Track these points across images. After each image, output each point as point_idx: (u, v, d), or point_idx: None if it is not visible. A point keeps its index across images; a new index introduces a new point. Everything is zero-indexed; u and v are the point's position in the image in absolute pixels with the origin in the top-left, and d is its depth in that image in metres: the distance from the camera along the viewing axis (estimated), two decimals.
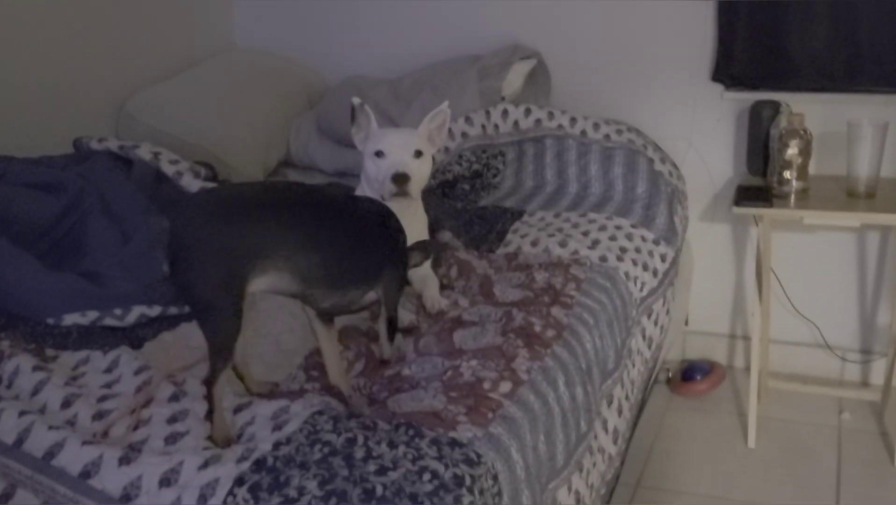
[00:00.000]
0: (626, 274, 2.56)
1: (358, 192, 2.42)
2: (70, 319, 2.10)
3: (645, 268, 2.66)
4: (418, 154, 2.28)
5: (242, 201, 1.64)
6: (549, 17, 3.49)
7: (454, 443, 1.62)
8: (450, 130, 3.22)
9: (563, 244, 2.62)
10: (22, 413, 1.68)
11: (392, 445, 1.60)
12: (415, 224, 2.38)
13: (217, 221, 1.58)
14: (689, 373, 3.45)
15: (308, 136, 3.59)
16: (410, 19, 3.69)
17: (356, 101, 2.32)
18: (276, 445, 1.60)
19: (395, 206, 2.27)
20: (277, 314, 2.20)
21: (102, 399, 1.78)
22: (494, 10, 3.56)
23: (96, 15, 3.28)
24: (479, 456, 1.60)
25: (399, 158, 2.25)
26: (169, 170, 2.80)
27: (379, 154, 2.26)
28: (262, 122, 3.52)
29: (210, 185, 2.79)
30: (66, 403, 1.75)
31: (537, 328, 2.09)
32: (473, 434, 1.66)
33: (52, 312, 2.09)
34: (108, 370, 1.91)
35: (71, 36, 3.17)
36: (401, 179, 2.21)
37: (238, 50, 3.94)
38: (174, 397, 1.79)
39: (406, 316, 2.14)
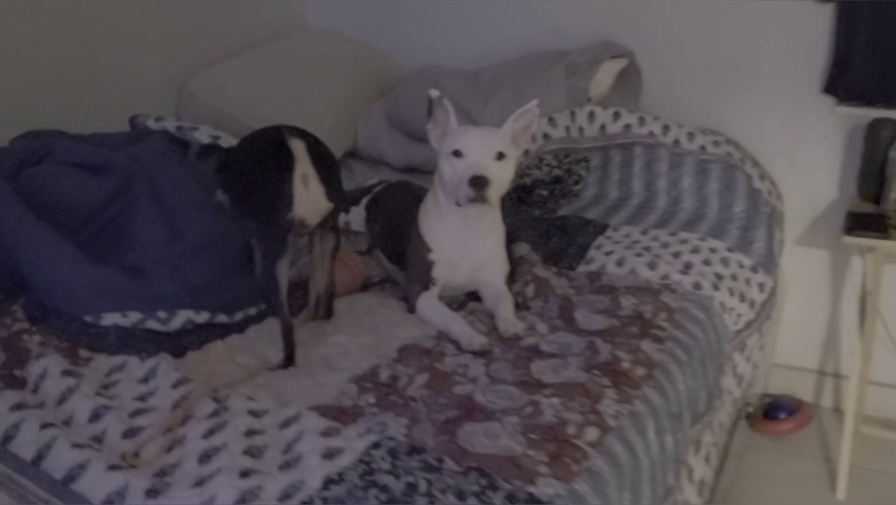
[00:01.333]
0: (722, 305, 2.30)
1: (430, 195, 2.20)
2: (110, 318, 1.90)
3: (742, 298, 2.40)
4: (500, 156, 2.05)
5: None
6: (645, 13, 3.22)
7: (533, 501, 1.40)
8: None
9: (651, 266, 2.37)
10: (45, 425, 1.50)
11: (461, 496, 1.40)
12: (491, 235, 2.16)
13: None
14: (773, 410, 3.16)
15: (378, 126, 3.37)
16: (494, 8, 3.44)
17: (434, 93, 2.10)
18: (326, 484, 1.40)
19: (471, 212, 2.06)
20: (333, 333, 1.98)
21: (135, 414, 1.59)
22: (585, 4, 3.30)
23: None
24: None
25: (478, 160, 2.02)
26: None
27: (457, 154, 2.04)
28: (330, 109, 3.31)
29: None
30: (94, 416, 1.57)
31: (625, 365, 1.84)
32: (555, 491, 1.44)
33: (91, 308, 1.90)
34: (145, 380, 1.71)
35: (134, 9, 2.98)
36: (479, 183, 1.98)
37: (308, 30, 3.73)
38: (214, 414, 1.59)
39: (477, 338, 1.91)
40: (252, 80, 3.26)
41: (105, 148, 2.37)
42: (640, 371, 1.84)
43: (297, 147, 1.84)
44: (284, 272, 1.89)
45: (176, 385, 1.66)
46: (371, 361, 1.84)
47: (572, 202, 2.92)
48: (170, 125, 2.66)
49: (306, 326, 2.03)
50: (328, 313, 2.08)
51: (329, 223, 1.99)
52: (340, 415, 1.60)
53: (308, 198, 1.83)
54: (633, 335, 1.98)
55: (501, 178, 2.05)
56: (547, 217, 2.76)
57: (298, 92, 3.27)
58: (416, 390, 1.70)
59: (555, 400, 1.67)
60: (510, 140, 2.11)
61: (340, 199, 1.95)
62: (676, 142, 2.93)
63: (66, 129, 2.64)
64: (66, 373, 1.66)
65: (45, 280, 1.94)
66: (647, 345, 1.94)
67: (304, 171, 1.82)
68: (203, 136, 2.65)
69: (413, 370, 1.78)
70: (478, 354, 1.88)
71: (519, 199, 2.89)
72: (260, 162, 1.90)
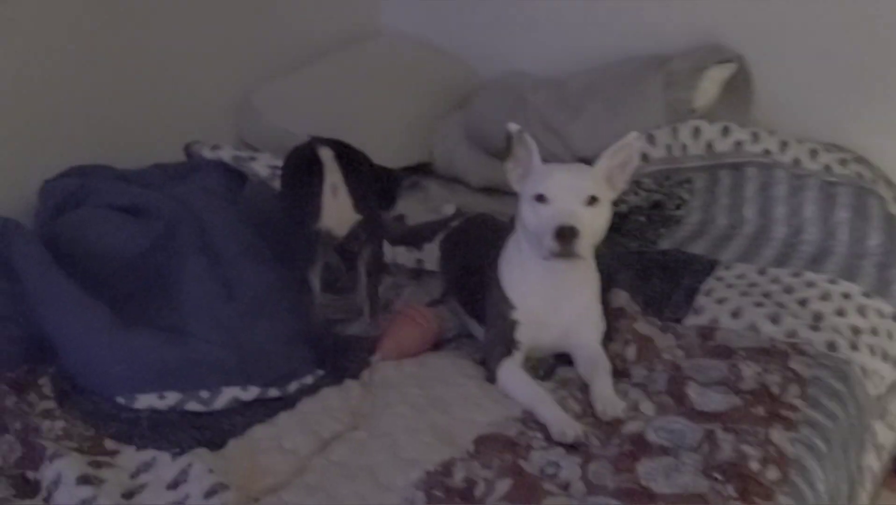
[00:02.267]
0: (862, 369, 1.93)
1: (512, 241, 1.89)
2: (144, 400, 1.67)
3: (884, 357, 2.02)
4: (592, 201, 1.72)
5: None
6: (756, 10, 2.82)
7: None
8: None
9: (774, 319, 2.01)
10: None
11: None
12: (584, 289, 1.84)
13: None
14: None
15: (455, 142, 3.05)
16: (584, 8, 3.09)
17: (514, 127, 1.79)
18: None
19: (557, 265, 1.73)
20: (398, 404, 1.68)
21: None
22: (687, 1, 2.92)
23: None
24: None
25: (566, 206, 1.71)
26: None
27: (540, 198, 1.72)
28: (403, 122, 3.02)
29: None
30: None
31: (754, 465, 1.50)
32: None
33: (123, 388, 1.68)
34: (174, 486, 1.45)
35: (188, 19, 2.72)
36: (566, 235, 1.66)
37: (380, 36, 3.43)
38: None
39: (570, 428, 1.58)
40: (319, 93, 3.00)
41: (153, 188, 2.13)
42: (772, 473, 1.50)
43: (326, 156, 1.87)
44: (316, 279, 1.96)
45: (209, 494, 1.39)
46: (443, 452, 1.54)
47: (674, 231, 2.56)
48: (226, 155, 2.40)
49: (368, 392, 1.75)
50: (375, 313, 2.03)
51: (363, 236, 1.99)
52: None
53: (336, 208, 1.87)
54: (759, 419, 1.63)
55: (594, 226, 1.73)
56: (646, 251, 2.41)
57: (369, 105, 3.00)
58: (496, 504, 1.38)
59: None
60: (604, 180, 1.78)
61: (370, 210, 1.95)
62: (797, 161, 2.55)
63: (117, 159, 2.42)
64: (83, 480, 1.41)
65: (75, 352, 1.72)
66: (777, 434, 1.59)
67: (333, 181, 1.85)
68: (261, 166, 2.38)
69: (493, 473, 1.46)
70: (571, 446, 1.55)
71: (613, 228, 2.54)
72: (292, 174, 1.98)
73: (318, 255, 1.95)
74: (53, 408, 1.67)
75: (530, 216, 1.75)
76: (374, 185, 2.05)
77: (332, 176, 1.85)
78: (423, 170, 3.11)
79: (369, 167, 2.05)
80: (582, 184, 1.73)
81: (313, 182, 1.85)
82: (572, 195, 1.71)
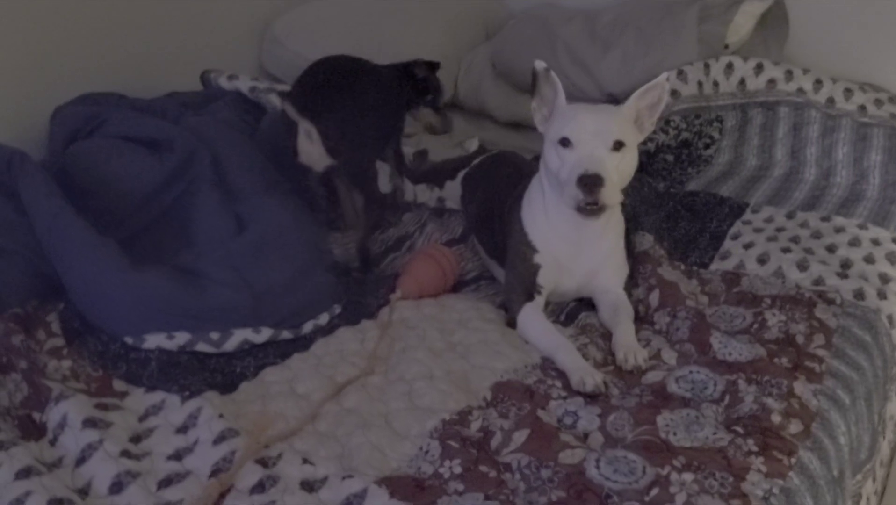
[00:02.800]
0: (890, 318, 1.88)
1: (535, 183, 1.84)
2: (153, 340, 1.62)
3: None
4: (618, 146, 1.66)
5: None
6: None
7: None
8: None
9: (802, 266, 1.96)
10: (52, 501, 1.22)
11: None
12: (608, 233, 1.80)
13: None
14: None
15: (481, 74, 2.99)
16: None
17: (540, 65, 1.73)
18: None
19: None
20: (416, 349, 1.66)
21: (165, 482, 1.30)
22: None
23: None
24: None
25: (591, 151, 1.64)
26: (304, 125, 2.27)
27: (564, 142, 1.66)
28: (428, 53, 2.91)
29: None
30: (116, 486, 1.29)
31: (776, 419, 1.47)
32: None
33: (132, 328, 1.63)
34: (183, 429, 1.43)
35: None
36: (591, 184, 1.60)
37: None
38: (259, 487, 1.29)
39: (590, 376, 1.55)
40: (342, 21, 2.92)
41: (168, 119, 2.06)
42: (795, 426, 1.47)
43: (291, 111, 1.95)
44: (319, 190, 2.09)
45: (218, 440, 1.37)
46: (460, 400, 1.51)
47: (703, 171, 2.51)
48: (243, 85, 2.34)
49: (386, 334, 1.72)
50: (365, 267, 2.04)
51: (343, 178, 2.06)
52: (416, 492, 1.29)
53: (311, 150, 1.94)
54: (783, 371, 1.59)
55: (620, 173, 1.67)
56: (674, 192, 2.36)
57: (394, 34, 2.91)
58: (513, 456, 1.37)
59: (687, 477, 1.32)
60: (632, 122, 1.72)
61: (348, 155, 1.97)
62: (831, 101, 2.48)
63: (131, 85, 2.37)
64: (89, 423, 1.38)
65: (84, 291, 1.66)
66: (801, 386, 1.56)
67: (306, 128, 1.92)
68: (279, 99, 2.32)
69: (511, 422, 1.44)
70: (590, 396, 1.53)
71: (640, 168, 2.48)
72: (283, 114, 2.01)
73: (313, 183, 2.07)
74: (61, 346, 1.64)
75: (554, 160, 1.69)
76: (371, 125, 2.04)
77: (304, 124, 1.92)
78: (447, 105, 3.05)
79: (365, 104, 2.04)
80: (608, 127, 1.66)
81: (292, 125, 1.94)
82: (598, 140, 1.65)
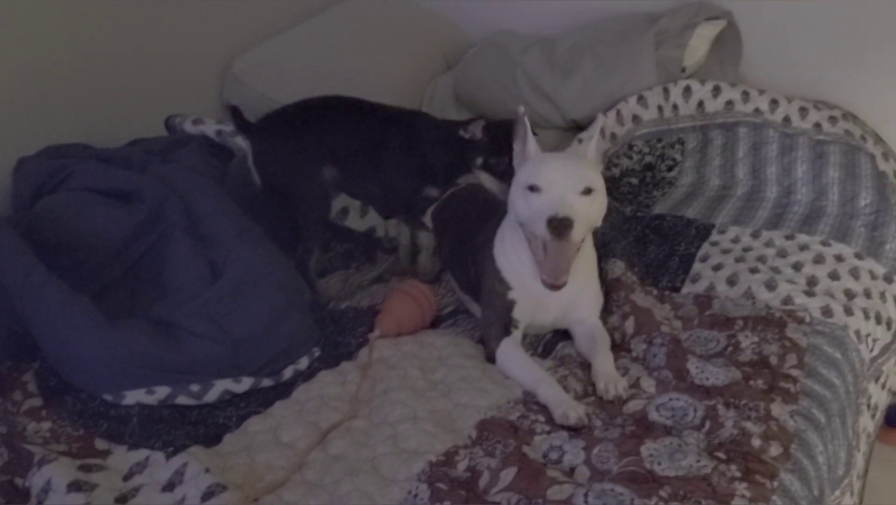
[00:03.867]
0: (858, 333, 1.93)
1: (506, 221, 1.86)
2: (133, 396, 1.62)
3: (878, 320, 2.03)
4: (588, 191, 1.68)
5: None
6: None
7: None
8: (618, 112, 2.60)
9: (770, 285, 2.00)
10: None
11: None
12: (581, 266, 1.81)
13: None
14: None
15: (444, 103, 3.02)
16: None
17: (521, 110, 1.76)
18: None
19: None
20: (398, 390, 1.67)
21: None
22: None
23: None
24: None
25: (561, 195, 1.66)
26: None
27: (533, 188, 1.69)
28: (390, 88, 2.94)
29: None
30: None
31: (756, 442, 1.50)
32: None
33: (111, 385, 1.62)
34: (170, 487, 1.43)
35: None
36: (559, 225, 1.62)
37: None
38: None
39: (572, 410, 1.58)
40: (303, 58, 2.92)
41: (134, 167, 2.06)
42: (775, 449, 1.50)
43: None
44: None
45: (206, 496, 1.37)
46: (446, 440, 1.53)
47: (667, 193, 2.55)
48: (209, 129, 2.34)
49: (366, 375, 1.73)
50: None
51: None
52: None
53: None
54: (759, 393, 1.63)
55: (589, 216, 1.70)
56: (641, 216, 2.40)
57: (354, 71, 2.91)
58: (502, 495, 1.38)
59: None
60: (597, 166, 1.76)
61: None
62: (787, 120, 2.54)
63: (94, 133, 2.36)
64: (74, 486, 1.37)
65: (60, 350, 1.65)
66: (778, 408, 1.60)
67: None
68: (246, 141, 2.33)
69: (497, 460, 1.46)
70: (573, 429, 1.56)
71: (606, 192, 2.53)
72: None
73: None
74: (40, 406, 1.63)
75: (522, 206, 1.70)
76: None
77: None
78: None
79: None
80: (578, 173, 1.68)
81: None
82: (568, 183, 1.67)
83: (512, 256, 1.81)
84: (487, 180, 2.04)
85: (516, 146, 1.80)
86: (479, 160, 2.02)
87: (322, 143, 2.13)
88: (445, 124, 2.17)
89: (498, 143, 1.98)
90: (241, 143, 2.29)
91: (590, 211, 1.69)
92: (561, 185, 1.66)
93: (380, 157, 2.12)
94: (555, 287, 1.67)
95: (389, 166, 2.12)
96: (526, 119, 1.76)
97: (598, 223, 1.74)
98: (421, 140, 2.12)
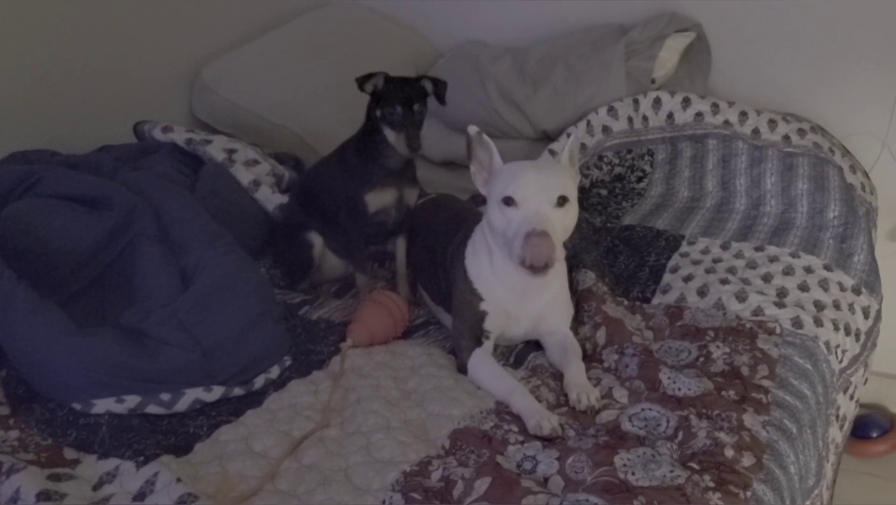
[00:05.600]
0: (827, 344, 1.94)
1: (478, 232, 1.85)
2: (102, 405, 1.59)
3: (847, 331, 2.04)
4: (562, 201, 1.68)
5: None
6: None
7: None
8: (588, 123, 2.60)
9: (741, 297, 2.01)
10: None
11: None
12: (553, 278, 1.80)
13: None
14: (863, 427, 2.82)
15: None
16: None
17: (472, 129, 1.76)
18: None
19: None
20: (371, 399, 1.65)
21: None
22: None
23: None
24: None
25: (535, 208, 1.65)
26: (244, 177, 2.28)
27: (508, 201, 1.68)
28: (359, 97, 2.93)
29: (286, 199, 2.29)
30: None
31: (729, 452, 1.50)
32: None
33: (79, 394, 1.59)
34: (140, 497, 1.40)
35: None
36: (538, 241, 1.61)
37: (334, 6, 3.34)
38: None
39: (546, 420, 1.57)
40: (273, 66, 2.91)
41: (103, 173, 2.03)
42: (747, 460, 1.50)
43: None
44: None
45: None
46: (419, 450, 1.51)
47: (637, 204, 2.56)
48: (178, 137, 2.32)
49: (338, 385, 1.72)
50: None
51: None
52: None
53: None
54: (731, 404, 1.63)
55: (565, 226, 1.70)
56: (611, 227, 2.41)
57: (324, 77, 2.91)
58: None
59: None
60: (571, 173, 1.75)
61: None
62: (756, 132, 2.56)
63: (62, 139, 2.33)
64: (43, 496, 1.34)
65: (28, 358, 1.62)
66: (750, 418, 1.60)
67: None
68: (216, 150, 2.32)
69: (471, 470, 1.45)
70: (547, 439, 1.55)
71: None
72: None
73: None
74: (7, 415, 1.60)
75: (499, 219, 1.69)
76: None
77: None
78: None
79: None
80: (551, 183, 1.67)
81: None
82: (543, 196, 1.65)
83: (485, 267, 1.80)
84: (388, 133, 2.01)
85: (473, 166, 1.79)
86: (378, 112, 2.02)
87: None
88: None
89: (394, 94, 2.00)
90: (212, 151, 2.27)
91: (565, 221, 1.68)
92: (535, 198, 1.65)
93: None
94: (536, 269, 1.62)
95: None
96: (484, 136, 1.75)
97: (570, 233, 1.74)
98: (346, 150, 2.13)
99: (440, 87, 2.08)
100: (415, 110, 1.99)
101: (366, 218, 2.08)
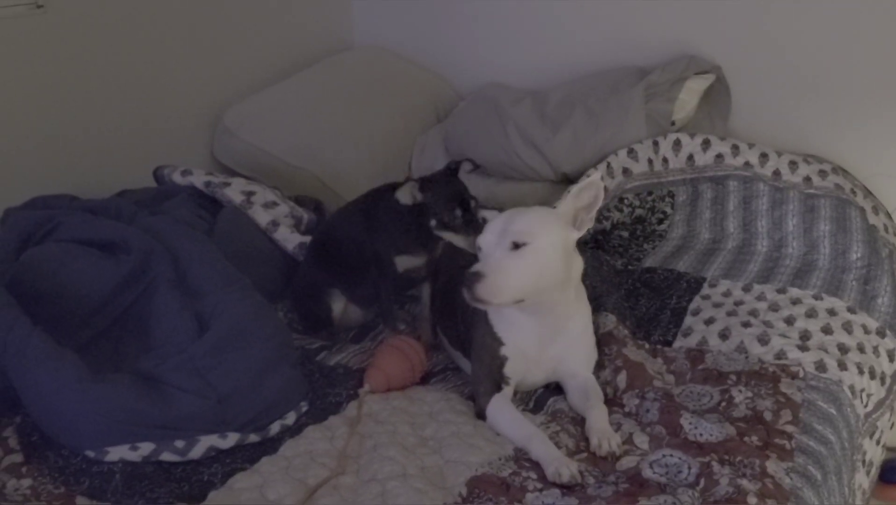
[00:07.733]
0: (852, 389, 1.91)
1: None
2: (116, 453, 1.58)
3: (872, 375, 2.01)
4: (516, 246, 1.66)
5: None
6: (732, 21, 2.79)
7: None
8: (608, 165, 2.60)
9: (763, 340, 1.99)
10: None
11: None
12: (574, 321, 1.80)
13: None
14: (891, 471, 2.75)
15: (434, 157, 3.01)
16: (562, 18, 3.04)
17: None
18: None
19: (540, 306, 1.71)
20: (388, 446, 1.64)
21: None
22: (663, 12, 2.88)
23: (194, 10, 2.75)
24: None
25: (488, 252, 1.69)
26: (262, 218, 2.28)
27: (479, 249, 1.73)
28: (381, 140, 2.97)
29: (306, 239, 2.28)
30: None
31: (752, 500, 1.47)
32: None
33: (94, 441, 1.58)
34: None
35: (157, 37, 2.65)
36: (470, 279, 1.63)
37: (355, 50, 3.37)
38: None
39: (564, 467, 1.55)
40: (294, 110, 2.93)
41: (122, 218, 2.04)
42: None
43: None
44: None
45: None
46: (436, 498, 1.49)
47: (658, 246, 2.54)
48: (197, 181, 2.33)
49: (354, 431, 1.70)
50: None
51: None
52: None
53: None
54: (754, 450, 1.60)
55: (521, 273, 1.66)
56: (632, 269, 2.39)
57: (345, 123, 2.94)
58: None
59: None
60: (567, 222, 1.73)
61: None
62: (777, 173, 2.54)
63: (83, 183, 2.36)
64: None
65: (43, 405, 1.62)
66: (773, 465, 1.57)
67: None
68: (235, 192, 2.32)
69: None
70: (566, 486, 1.53)
71: (597, 245, 2.53)
72: None
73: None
74: (20, 463, 1.59)
75: None
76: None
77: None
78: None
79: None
80: (509, 228, 1.68)
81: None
82: (496, 241, 1.68)
83: (505, 311, 1.79)
84: (454, 238, 1.94)
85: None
86: (433, 222, 1.95)
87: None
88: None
89: (441, 199, 1.93)
90: (230, 193, 2.28)
91: (521, 269, 1.65)
92: (490, 244, 1.69)
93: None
94: (473, 298, 1.64)
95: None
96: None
97: (546, 283, 1.70)
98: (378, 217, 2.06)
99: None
100: (472, 208, 1.90)
101: (395, 276, 2.06)
